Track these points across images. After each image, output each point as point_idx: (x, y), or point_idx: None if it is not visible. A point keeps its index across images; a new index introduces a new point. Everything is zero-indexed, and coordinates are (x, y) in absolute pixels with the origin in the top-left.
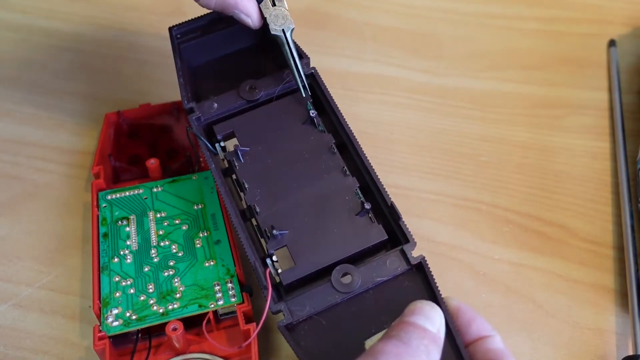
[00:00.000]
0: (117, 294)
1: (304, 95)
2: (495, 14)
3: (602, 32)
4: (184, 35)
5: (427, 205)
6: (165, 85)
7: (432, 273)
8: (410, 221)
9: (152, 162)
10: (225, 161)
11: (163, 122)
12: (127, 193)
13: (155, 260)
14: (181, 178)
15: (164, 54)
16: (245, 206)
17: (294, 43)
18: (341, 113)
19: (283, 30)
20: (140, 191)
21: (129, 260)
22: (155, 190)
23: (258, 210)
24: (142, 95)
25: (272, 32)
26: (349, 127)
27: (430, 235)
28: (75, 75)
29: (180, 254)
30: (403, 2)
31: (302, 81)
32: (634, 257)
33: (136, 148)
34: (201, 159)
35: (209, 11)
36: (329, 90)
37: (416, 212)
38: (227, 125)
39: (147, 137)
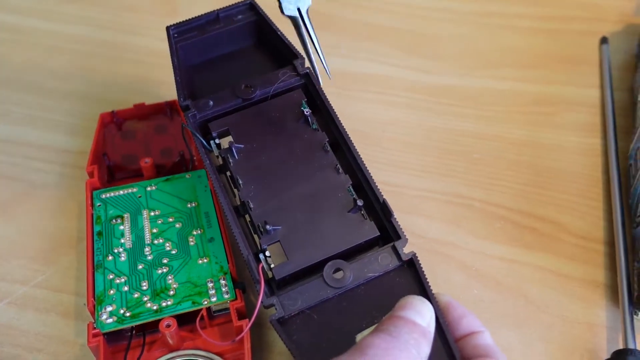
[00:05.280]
0: (111, 292)
1: (330, 78)
2: (489, 13)
3: (595, 30)
4: (181, 35)
5: (420, 202)
6: (159, 85)
7: (422, 269)
8: (403, 218)
9: (146, 161)
10: (220, 158)
11: (157, 121)
12: (122, 192)
13: (149, 258)
14: (175, 177)
15: (159, 54)
16: (239, 202)
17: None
18: (335, 112)
19: (298, 8)
20: (135, 190)
21: (123, 258)
22: (149, 189)
23: (252, 206)
24: (137, 95)
25: (286, 13)
26: (343, 126)
27: (423, 231)
28: (71, 75)
29: (174, 252)
30: (398, 1)
31: (323, 61)
32: (624, 252)
33: (130, 147)
34: (195, 158)
35: (205, 12)
36: (322, 89)
37: (408, 209)
38: (222, 122)
39: (141, 137)
